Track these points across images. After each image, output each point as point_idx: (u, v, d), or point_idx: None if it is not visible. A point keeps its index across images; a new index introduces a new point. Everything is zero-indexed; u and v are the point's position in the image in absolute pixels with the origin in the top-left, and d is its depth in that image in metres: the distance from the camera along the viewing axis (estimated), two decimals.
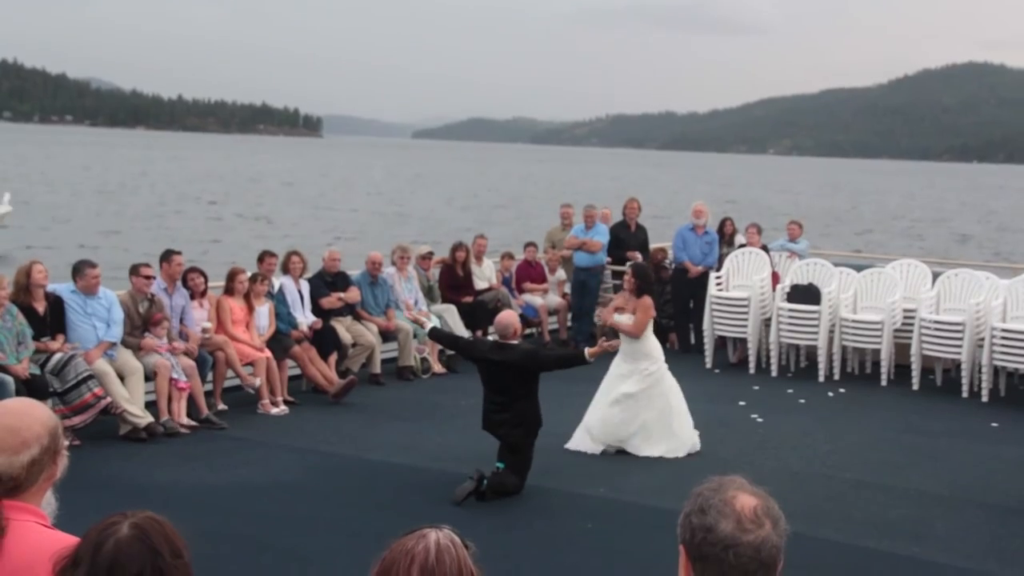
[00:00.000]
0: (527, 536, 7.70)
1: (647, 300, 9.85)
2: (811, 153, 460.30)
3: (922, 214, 77.94)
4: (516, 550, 7.21)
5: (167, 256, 10.93)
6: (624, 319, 9.85)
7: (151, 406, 10.05)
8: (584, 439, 9.88)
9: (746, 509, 2.25)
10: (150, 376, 10.06)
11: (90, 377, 9.41)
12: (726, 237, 15.25)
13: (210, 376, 10.83)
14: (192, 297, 10.99)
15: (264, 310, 11.45)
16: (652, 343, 10.01)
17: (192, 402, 10.42)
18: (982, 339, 12.52)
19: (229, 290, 11.28)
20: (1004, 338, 12.34)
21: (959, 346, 12.66)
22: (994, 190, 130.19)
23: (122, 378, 9.80)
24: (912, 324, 13.06)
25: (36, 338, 9.47)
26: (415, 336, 12.96)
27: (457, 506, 8.16)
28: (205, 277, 11.28)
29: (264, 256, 12.03)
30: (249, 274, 11.46)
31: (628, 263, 11.39)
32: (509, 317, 9.04)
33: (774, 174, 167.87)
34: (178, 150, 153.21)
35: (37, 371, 9.29)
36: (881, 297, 13.49)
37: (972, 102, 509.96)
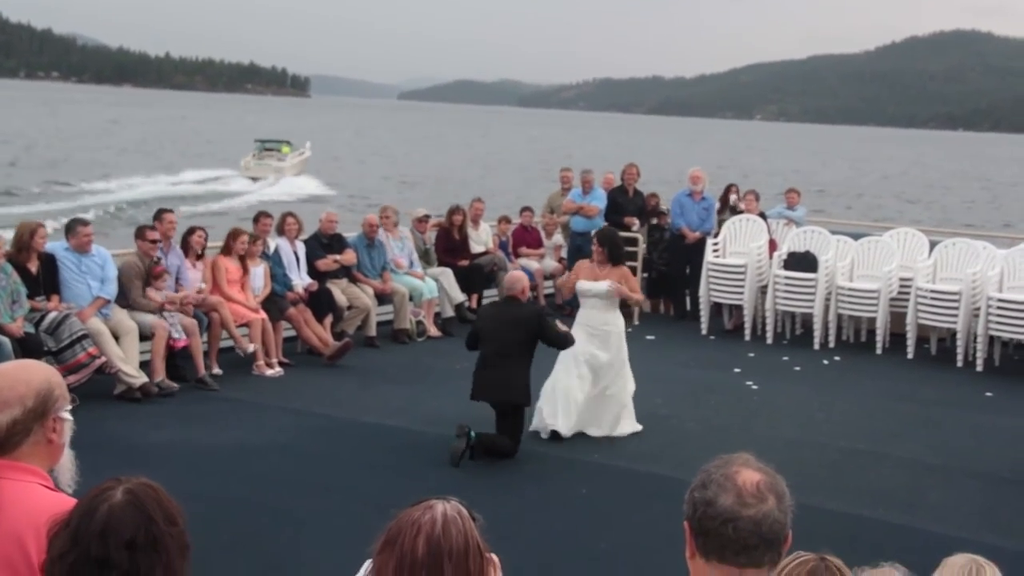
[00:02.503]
0: (521, 502, 7.71)
1: (625, 269, 9.50)
2: (798, 119, 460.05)
3: (920, 183, 77.86)
4: (510, 516, 7.21)
5: (159, 215, 10.87)
6: (600, 287, 9.30)
7: (145, 366, 10.02)
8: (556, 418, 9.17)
9: (748, 484, 2.23)
10: (145, 336, 10.02)
11: (84, 336, 9.37)
12: (729, 204, 15.20)
13: (205, 337, 10.79)
14: (187, 256, 10.94)
15: (259, 271, 11.40)
16: (619, 314, 9.61)
17: (189, 362, 10.39)
18: (978, 309, 12.52)
19: (227, 250, 11.22)
20: (1000, 308, 12.33)
21: (955, 315, 12.66)
22: (989, 160, 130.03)
23: (117, 338, 9.76)
24: (908, 293, 13.06)
25: (30, 297, 9.42)
26: (411, 299, 12.93)
27: (455, 467, 8.17)
28: (207, 237, 11.25)
29: (259, 217, 11.98)
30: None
31: (594, 232, 10.62)
32: (519, 274, 9.30)
33: (768, 141, 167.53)
34: (187, 108, 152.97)
35: (31, 330, 9.25)
36: (878, 266, 13.47)
37: (959, 70, 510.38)
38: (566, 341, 8.86)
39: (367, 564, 2.38)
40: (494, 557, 2.37)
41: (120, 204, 40.18)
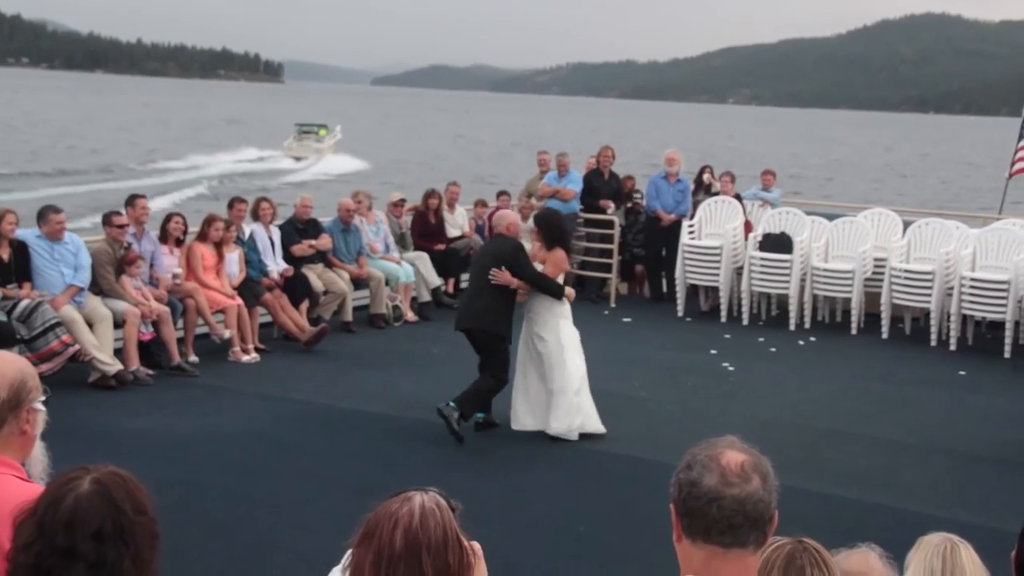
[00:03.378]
0: (500, 487, 7.71)
1: (559, 253, 8.83)
2: (770, 103, 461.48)
3: (893, 164, 78.22)
4: (487, 501, 7.21)
5: (131, 201, 10.78)
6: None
7: (120, 353, 9.96)
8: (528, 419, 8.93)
9: (732, 464, 2.24)
10: (119, 323, 9.96)
11: (58, 324, 9.30)
12: (704, 185, 15.22)
13: (180, 324, 10.73)
14: (164, 242, 10.87)
15: (234, 257, 11.34)
16: (562, 304, 8.85)
17: (164, 349, 10.34)
18: (951, 288, 12.61)
19: (202, 236, 11.15)
20: (973, 287, 12.42)
21: (928, 295, 12.74)
22: (961, 142, 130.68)
23: (91, 325, 9.69)
24: (882, 273, 13.13)
25: (1, 285, 9.34)
26: (387, 283, 12.91)
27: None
28: (186, 223, 11.18)
29: (234, 202, 11.92)
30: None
31: (534, 214, 10.36)
32: (506, 212, 9.54)
33: (742, 124, 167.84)
34: (166, 95, 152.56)
35: (3, 318, 9.18)
36: (852, 246, 13.53)
37: (929, 53, 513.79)
38: (546, 284, 8.66)
39: (346, 556, 2.37)
40: (476, 545, 2.35)
41: (211, 178, 46.45)
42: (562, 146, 17.77)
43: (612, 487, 7.78)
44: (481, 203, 15.35)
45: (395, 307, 13.00)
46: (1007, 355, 12.28)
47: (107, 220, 10.36)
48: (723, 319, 13.79)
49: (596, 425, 8.76)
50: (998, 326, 12.77)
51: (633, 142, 73.23)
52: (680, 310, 14.07)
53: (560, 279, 8.89)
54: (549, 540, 6.75)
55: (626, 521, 7.01)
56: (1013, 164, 15.13)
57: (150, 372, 10.03)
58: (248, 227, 11.86)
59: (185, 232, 11.11)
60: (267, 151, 58.99)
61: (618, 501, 7.44)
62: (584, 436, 8.69)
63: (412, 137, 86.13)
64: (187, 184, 42.97)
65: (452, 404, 8.36)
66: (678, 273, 14.07)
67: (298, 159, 56.74)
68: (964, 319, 12.78)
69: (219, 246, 11.16)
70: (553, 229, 8.86)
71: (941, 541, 3.37)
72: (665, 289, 15.03)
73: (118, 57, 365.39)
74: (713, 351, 12.11)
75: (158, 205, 34.20)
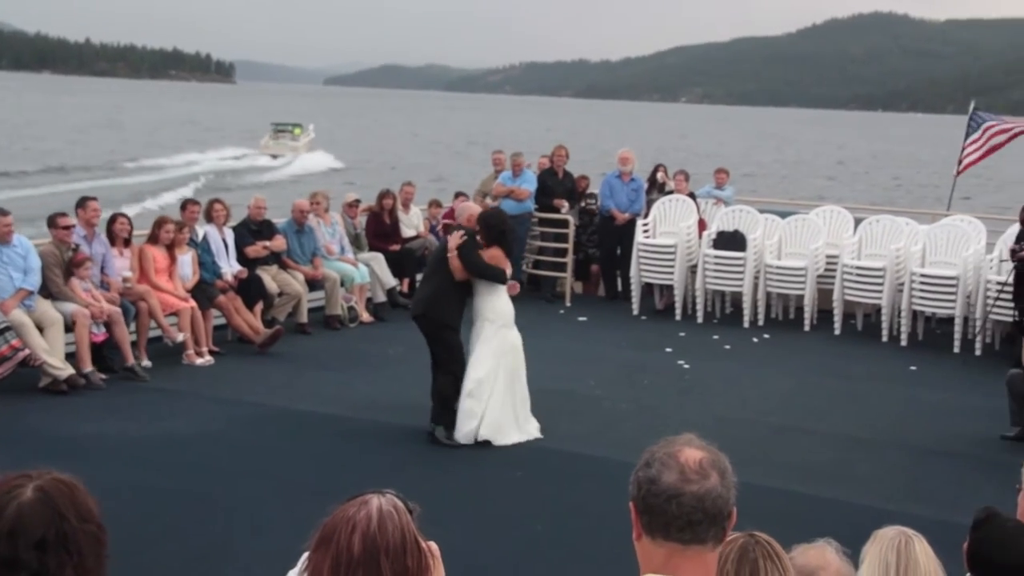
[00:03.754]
0: (456, 485, 7.71)
1: (495, 251, 8.68)
2: (722, 101, 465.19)
3: (845, 162, 79.00)
4: (445, 499, 7.21)
5: (82, 203, 10.65)
6: None
7: (72, 357, 9.85)
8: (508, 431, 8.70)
9: (691, 461, 2.25)
10: (70, 326, 9.84)
11: (7, 329, 9.17)
12: (657, 184, 15.29)
13: (133, 327, 10.62)
14: (113, 244, 10.76)
15: (187, 259, 11.25)
16: (501, 303, 8.70)
17: (117, 352, 10.23)
18: (902, 284, 12.77)
19: (153, 238, 11.05)
20: (923, 283, 12.59)
21: (880, 291, 12.89)
22: (910, 139, 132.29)
23: (41, 329, 9.57)
24: (835, 270, 13.27)
25: None
26: (342, 284, 12.86)
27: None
28: (131, 224, 11.07)
29: (186, 204, 11.83)
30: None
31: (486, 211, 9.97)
32: (469, 204, 9.84)
33: (695, 122, 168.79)
34: (119, 96, 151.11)
35: None
36: (805, 243, 13.65)
37: (877, 52, 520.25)
38: (485, 270, 8.55)
39: (303, 559, 2.35)
40: (433, 545, 2.35)
41: (207, 173, 49.88)
42: (521, 145, 17.79)
43: (569, 485, 7.79)
44: (435, 203, 15.34)
45: (350, 308, 12.95)
46: (956, 350, 12.45)
47: (52, 222, 10.20)
48: (678, 317, 13.86)
49: (498, 435, 8.54)
50: (948, 321, 12.95)
51: (589, 140, 73.54)
52: (635, 308, 14.13)
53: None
54: (507, 539, 6.76)
55: (584, 519, 7.03)
56: (961, 162, 15.33)
57: (103, 376, 9.92)
58: (201, 229, 11.77)
59: (131, 233, 11.00)
60: (243, 149, 62.08)
61: (576, 499, 7.46)
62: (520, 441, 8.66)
63: (370, 137, 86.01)
64: (178, 182, 45.05)
65: (431, 426, 8.44)
66: (633, 272, 14.13)
67: (275, 157, 59.75)
68: (914, 315, 12.94)
69: (171, 248, 11.06)
70: (492, 228, 8.71)
71: (896, 535, 3.42)
72: (620, 288, 15.09)
73: (66, 57, 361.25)
74: (668, 349, 12.17)
75: (156, 204, 35.79)
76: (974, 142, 15.11)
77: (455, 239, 8.65)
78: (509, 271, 8.77)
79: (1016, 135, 15.06)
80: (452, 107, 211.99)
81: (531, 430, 8.77)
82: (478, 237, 8.73)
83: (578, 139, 69.95)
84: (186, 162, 54.63)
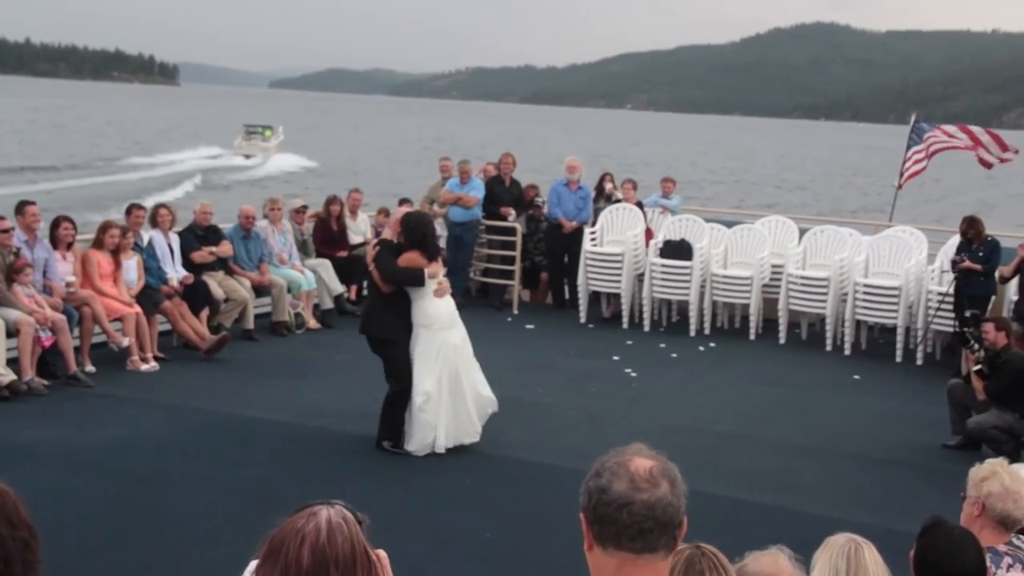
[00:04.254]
0: (406, 494, 7.69)
1: (411, 254, 8.53)
2: (667, 108, 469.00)
3: (790, 171, 79.85)
4: (395, 508, 7.20)
5: (21, 208, 10.50)
6: None
7: (13, 363, 9.69)
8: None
9: (640, 470, 2.27)
10: (12, 332, 9.69)
11: None
12: (604, 193, 15.35)
13: (76, 332, 10.47)
14: (56, 248, 10.61)
15: (132, 264, 11.13)
16: (432, 307, 8.55)
17: (60, 359, 10.08)
18: (845, 294, 12.94)
19: (97, 243, 10.91)
20: (866, 293, 12.76)
21: (824, 301, 13.05)
22: (852, 148, 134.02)
23: None
24: (780, 279, 13.41)
25: None
26: (289, 291, 12.78)
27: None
28: (75, 228, 10.92)
29: (132, 209, 11.69)
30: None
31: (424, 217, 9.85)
32: (396, 213, 9.53)
33: (640, 130, 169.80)
34: (65, 98, 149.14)
35: None
36: (750, 253, 13.79)
37: (820, 61, 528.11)
38: (397, 275, 8.47)
39: (249, 568, 2.34)
40: (382, 553, 2.35)
41: (199, 171, 53.39)
42: (478, 151, 17.79)
43: (519, 493, 7.81)
44: (384, 211, 15.29)
45: (297, 314, 12.88)
46: (899, 359, 12.64)
47: None
48: (625, 325, 13.93)
49: (463, 439, 8.58)
50: (890, 331, 13.14)
51: (541, 147, 73.87)
52: (582, 317, 14.18)
53: (432, 284, 8.58)
54: (457, 547, 6.76)
55: (534, 527, 7.05)
56: (902, 174, 15.55)
57: (45, 382, 9.77)
58: (147, 234, 11.64)
59: (75, 237, 10.85)
60: (217, 149, 65.10)
61: (525, 507, 7.48)
62: (484, 444, 8.68)
63: (328, 140, 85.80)
64: (171, 180, 48.15)
65: (378, 440, 8.46)
66: (580, 280, 14.18)
67: (247, 157, 63.06)
68: (858, 324, 13.11)
69: (116, 253, 10.94)
70: (412, 231, 8.58)
71: (846, 542, 3.47)
72: (567, 296, 15.13)
73: (5, 58, 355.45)
74: (615, 357, 12.23)
75: (162, 199, 36.67)
76: (916, 152, 15.32)
77: (370, 252, 8.64)
78: (434, 271, 8.58)
79: (953, 148, 15.26)
80: (401, 111, 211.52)
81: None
82: (400, 239, 8.64)
83: (531, 146, 70.41)
84: (168, 161, 57.41)
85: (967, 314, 9.50)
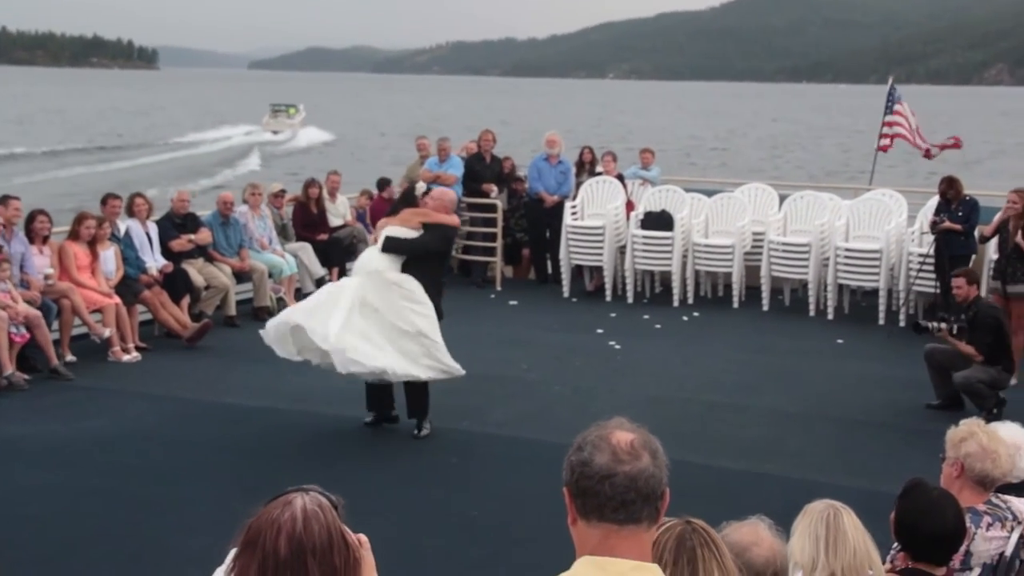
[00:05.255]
0: (391, 474, 7.69)
1: (410, 211, 8.58)
2: (649, 77, 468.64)
3: (771, 136, 79.83)
4: (380, 489, 7.20)
5: (3, 200, 10.44)
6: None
7: None
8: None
9: (622, 443, 2.29)
10: None
11: None
12: (586, 166, 15.32)
13: (56, 325, 10.42)
14: (32, 242, 10.54)
15: (110, 254, 11.06)
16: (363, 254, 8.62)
17: (40, 353, 10.03)
18: (827, 259, 12.95)
19: (73, 235, 10.84)
20: (847, 257, 12.79)
21: (805, 267, 13.06)
22: (835, 110, 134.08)
23: None
24: (761, 247, 13.41)
25: None
26: (270, 275, 12.74)
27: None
28: (51, 221, 10.85)
29: (107, 199, 11.61)
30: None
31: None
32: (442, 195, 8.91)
33: (623, 99, 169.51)
34: (51, 85, 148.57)
35: None
36: (731, 221, 13.79)
37: (799, 24, 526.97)
38: (426, 245, 8.31)
39: (229, 557, 2.32)
40: (363, 537, 2.34)
41: (247, 145, 58.20)
42: (461, 127, 17.74)
43: (504, 470, 7.80)
44: (366, 193, 15.24)
45: (279, 299, 12.83)
46: (881, 322, 12.67)
47: None
48: (608, 298, 13.93)
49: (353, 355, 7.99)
50: (872, 294, 13.18)
51: (527, 120, 73.92)
52: (565, 291, 14.18)
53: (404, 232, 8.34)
54: (443, 525, 6.75)
55: (520, 503, 7.05)
56: (881, 138, 15.55)
57: (26, 377, 9.72)
58: (123, 224, 11.58)
59: (50, 230, 10.79)
60: (249, 127, 68.97)
61: (511, 484, 7.48)
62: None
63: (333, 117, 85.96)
64: (230, 156, 52.04)
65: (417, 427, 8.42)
66: (562, 254, 14.16)
67: (275, 132, 67.21)
68: (840, 288, 13.14)
69: (93, 244, 10.87)
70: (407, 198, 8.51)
71: (824, 508, 3.48)
72: (550, 271, 15.12)
73: None
74: (600, 330, 12.23)
75: (215, 181, 39.50)
76: (898, 114, 15.30)
77: (377, 242, 8.40)
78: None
79: (908, 141, 15.30)
80: (387, 89, 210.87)
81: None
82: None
83: (524, 120, 70.72)
84: (215, 138, 61.86)
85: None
